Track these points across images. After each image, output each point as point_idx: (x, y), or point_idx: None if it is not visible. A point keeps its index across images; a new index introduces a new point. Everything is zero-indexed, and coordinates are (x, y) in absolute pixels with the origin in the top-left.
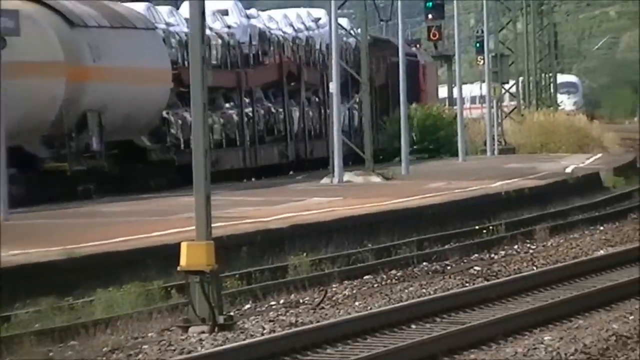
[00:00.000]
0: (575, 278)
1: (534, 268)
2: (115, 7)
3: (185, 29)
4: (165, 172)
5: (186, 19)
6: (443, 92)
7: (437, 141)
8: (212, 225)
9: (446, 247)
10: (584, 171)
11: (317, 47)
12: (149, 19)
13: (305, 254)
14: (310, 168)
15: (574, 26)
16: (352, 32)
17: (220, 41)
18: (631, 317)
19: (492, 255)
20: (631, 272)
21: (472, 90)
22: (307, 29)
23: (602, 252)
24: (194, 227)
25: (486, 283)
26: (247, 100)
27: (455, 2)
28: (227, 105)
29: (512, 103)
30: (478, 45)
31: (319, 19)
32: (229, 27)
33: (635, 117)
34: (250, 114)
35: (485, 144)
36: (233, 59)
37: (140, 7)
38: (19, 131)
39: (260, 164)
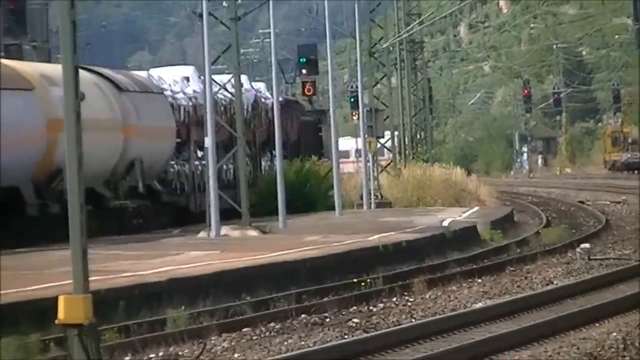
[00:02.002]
0: (454, 330)
1: (413, 320)
2: (134, 75)
3: (169, 92)
4: (171, 211)
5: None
6: (344, 144)
7: (311, 195)
8: (90, 278)
9: (325, 299)
10: (461, 224)
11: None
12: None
13: (183, 307)
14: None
15: (448, 81)
16: (225, 88)
17: (190, 103)
18: None
19: (371, 308)
20: (509, 325)
21: (346, 144)
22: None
23: (480, 304)
24: (71, 281)
25: (365, 335)
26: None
27: (329, 58)
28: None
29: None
30: (352, 100)
31: (242, 84)
32: (194, 91)
33: (511, 171)
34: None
35: (361, 197)
36: (199, 119)
37: (142, 74)
38: (92, 175)
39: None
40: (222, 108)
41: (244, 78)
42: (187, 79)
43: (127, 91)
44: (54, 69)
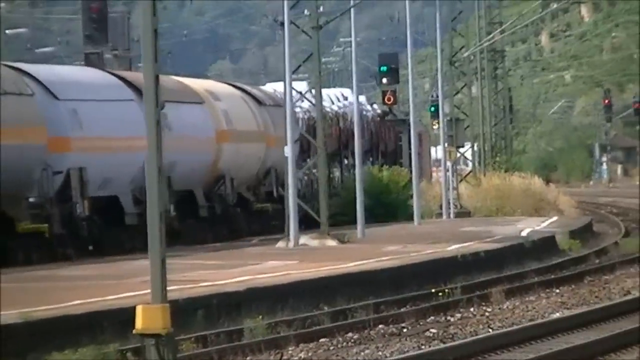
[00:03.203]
0: (531, 340)
1: (490, 330)
2: (265, 90)
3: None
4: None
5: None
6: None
7: (391, 204)
8: (168, 288)
9: (402, 309)
10: (540, 234)
11: (349, 119)
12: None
13: (261, 317)
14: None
15: (529, 90)
16: (305, 97)
17: (306, 116)
18: None
19: (449, 318)
20: (587, 335)
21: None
22: (343, 105)
23: (558, 314)
24: (149, 291)
25: (443, 345)
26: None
27: (410, 67)
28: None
29: (467, 167)
30: (433, 109)
31: (347, 97)
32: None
33: (590, 181)
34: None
35: (440, 207)
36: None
37: (269, 89)
38: (242, 181)
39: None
40: (334, 119)
41: (348, 91)
42: (300, 93)
43: (265, 105)
44: (214, 85)
